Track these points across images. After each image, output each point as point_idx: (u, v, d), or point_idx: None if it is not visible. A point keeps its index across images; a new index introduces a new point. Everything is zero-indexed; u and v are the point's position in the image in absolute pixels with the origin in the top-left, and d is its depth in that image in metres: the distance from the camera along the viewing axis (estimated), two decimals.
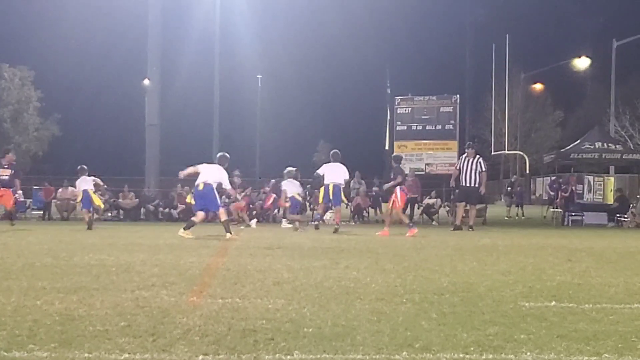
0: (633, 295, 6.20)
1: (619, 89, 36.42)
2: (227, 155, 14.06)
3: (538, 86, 54.99)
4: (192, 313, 5.00)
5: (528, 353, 4.01)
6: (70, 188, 21.72)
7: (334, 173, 15.49)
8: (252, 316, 4.92)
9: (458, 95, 24.91)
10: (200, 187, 13.11)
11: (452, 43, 66.84)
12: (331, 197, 15.40)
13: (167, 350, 3.98)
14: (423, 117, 24.15)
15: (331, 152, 16.39)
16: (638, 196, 24.27)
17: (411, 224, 14.75)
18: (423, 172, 24.90)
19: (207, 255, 9.44)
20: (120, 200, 22.35)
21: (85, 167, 17.45)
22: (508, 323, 4.82)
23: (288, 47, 63.74)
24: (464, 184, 17.27)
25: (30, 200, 23.90)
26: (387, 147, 24.87)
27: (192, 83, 48.74)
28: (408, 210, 21.38)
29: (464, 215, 17.43)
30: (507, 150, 32.69)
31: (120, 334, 4.33)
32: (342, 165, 15.69)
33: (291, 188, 17.18)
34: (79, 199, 17.07)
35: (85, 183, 16.89)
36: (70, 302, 5.43)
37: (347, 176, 15.88)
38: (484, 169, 17.38)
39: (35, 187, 24.50)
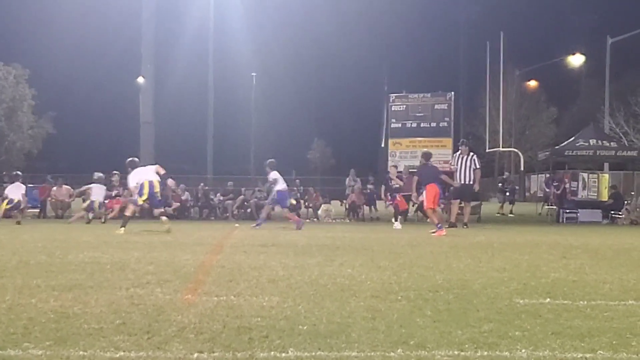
0: (628, 292, 6.22)
1: (613, 86, 36.48)
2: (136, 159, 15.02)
3: (532, 83, 55.14)
4: (187, 311, 5.00)
5: (523, 350, 4.01)
6: (64, 186, 21.65)
7: (281, 179, 16.27)
8: (247, 314, 4.92)
9: (453, 93, 24.88)
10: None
11: (446, 41, 67.26)
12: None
13: (162, 348, 3.97)
14: (417, 114, 24.12)
15: (268, 161, 16.65)
16: (632, 193, 24.33)
17: (439, 225, 13.99)
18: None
19: (201, 252, 9.43)
20: None
21: (19, 173, 18.28)
22: (503, 320, 4.83)
23: (283, 45, 63.85)
24: (458, 182, 17.35)
25: (26, 198, 23.71)
26: (383, 145, 24.73)
27: (187, 81, 48.72)
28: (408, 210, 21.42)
29: (459, 212, 17.46)
30: (502, 147, 32.72)
31: (115, 332, 4.33)
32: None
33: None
34: (5, 203, 17.54)
35: (17, 192, 17.62)
36: (65, 300, 5.42)
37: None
38: (478, 166, 17.46)
39: (30, 185, 24.32)
